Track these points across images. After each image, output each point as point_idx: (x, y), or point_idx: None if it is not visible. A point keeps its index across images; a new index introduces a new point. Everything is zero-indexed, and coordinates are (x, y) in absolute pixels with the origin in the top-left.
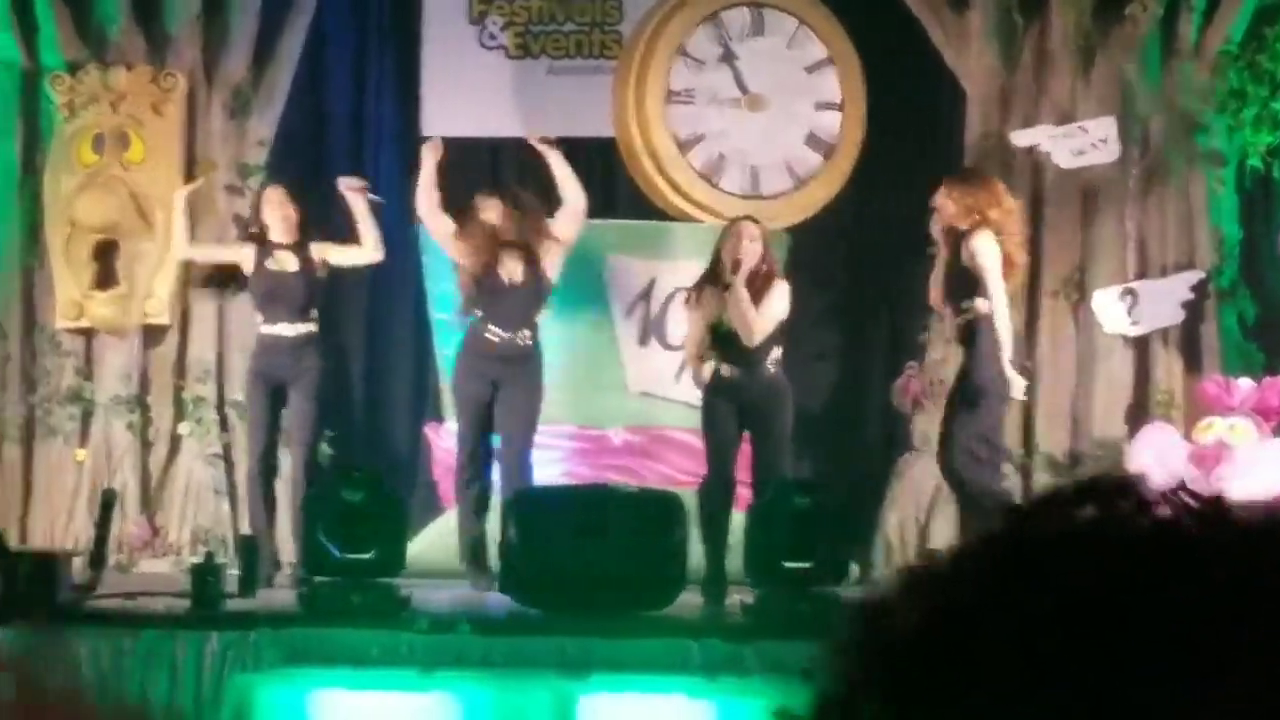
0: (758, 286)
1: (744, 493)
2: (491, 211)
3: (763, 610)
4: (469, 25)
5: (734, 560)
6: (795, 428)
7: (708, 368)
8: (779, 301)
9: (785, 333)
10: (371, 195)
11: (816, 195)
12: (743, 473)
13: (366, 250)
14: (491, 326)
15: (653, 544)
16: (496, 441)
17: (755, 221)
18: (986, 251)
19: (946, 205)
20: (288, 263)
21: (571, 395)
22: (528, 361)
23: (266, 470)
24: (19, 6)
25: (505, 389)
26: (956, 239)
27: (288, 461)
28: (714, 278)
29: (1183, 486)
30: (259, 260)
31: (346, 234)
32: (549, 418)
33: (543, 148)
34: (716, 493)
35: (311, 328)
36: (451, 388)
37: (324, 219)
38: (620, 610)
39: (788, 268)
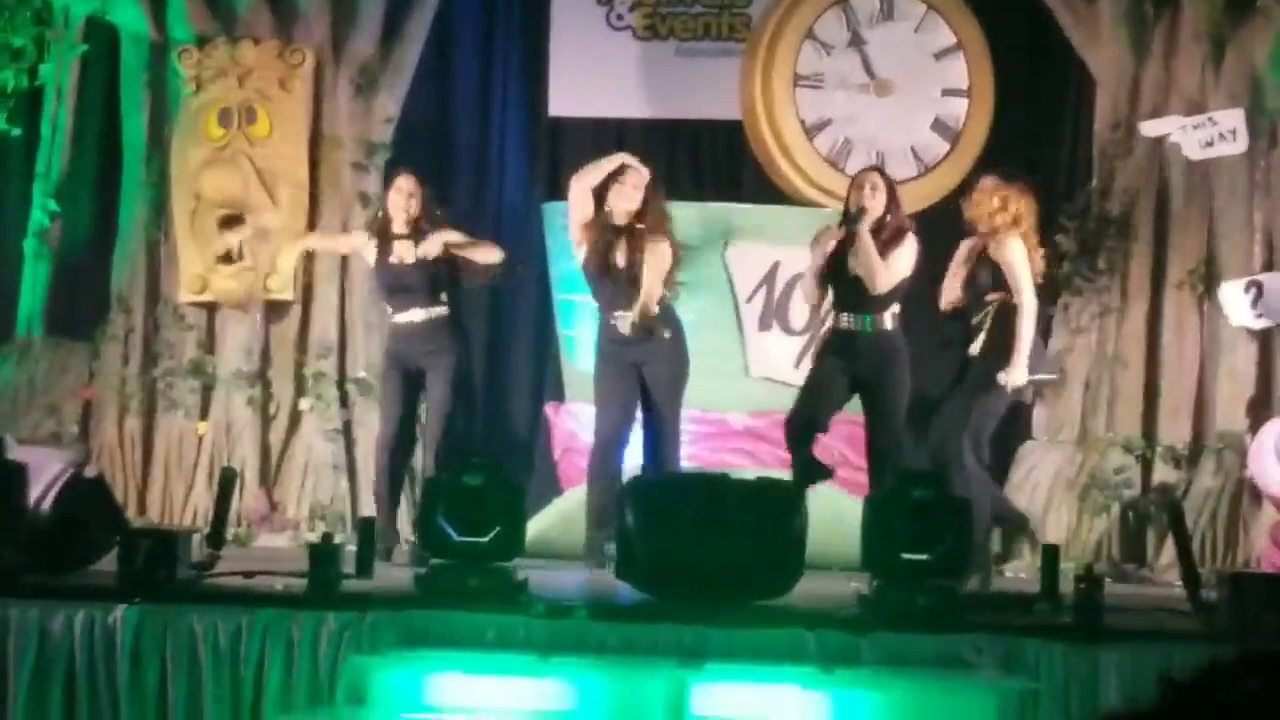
0: (885, 238)
1: (862, 479)
2: (615, 194)
3: (880, 601)
4: (597, 6)
5: (852, 549)
6: (915, 417)
7: (826, 319)
8: (906, 254)
9: (909, 291)
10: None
11: (942, 182)
12: (860, 458)
13: (489, 249)
14: (616, 313)
15: (770, 532)
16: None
17: (881, 172)
18: (1020, 251)
19: (986, 200)
20: (406, 254)
21: (693, 379)
22: (668, 341)
23: (397, 453)
24: None
25: (652, 366)
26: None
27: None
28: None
29: None
30: (381, 252)
31: (470, 221)
32: None
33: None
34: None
35: (443, 311)
36: (594, 378)
37: (449, 201)
38: (736, 598)
39: None
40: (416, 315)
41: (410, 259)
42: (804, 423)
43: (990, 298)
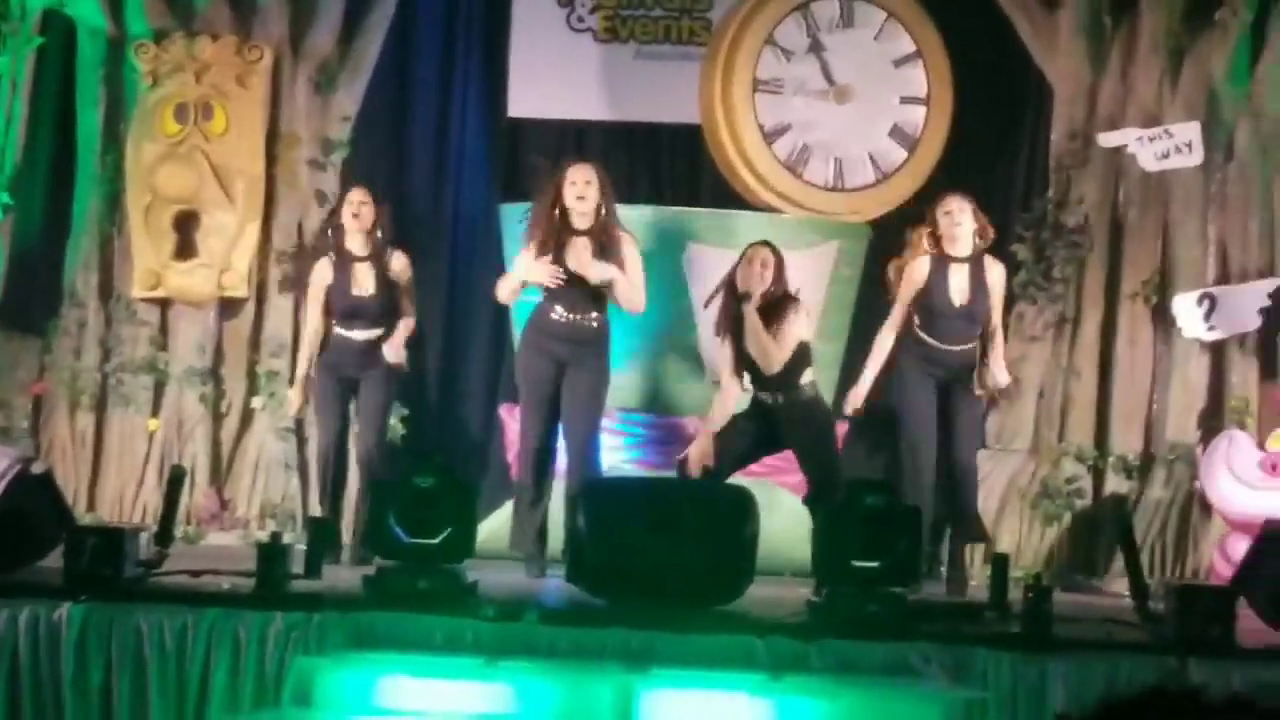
0: (773, 313)
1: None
2: (569, 191)
3: (829, 608)
4: (558, 7)
5: (803, 555)
6: (868, 425)
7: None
8: (795, 324)
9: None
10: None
11: (899, 189)
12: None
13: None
14: (557, 307)
15: (721, 537)
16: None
17: (768, 245)
18: (1001, 272)
19: (970, 218)
20: (366, 283)
21: (649, 383)
22: (595, 344)
23: (337, 457)
24: None
25: (571, 371)
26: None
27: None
28: (730, 305)
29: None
30: (340, 275)
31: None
32: (625, 404)
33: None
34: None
35: (382, 331)
36: (516, 369)
37: (407, 201)
38: (686, 603)
39: (867, 260)
40: (359, 335)
41: (371, 289)
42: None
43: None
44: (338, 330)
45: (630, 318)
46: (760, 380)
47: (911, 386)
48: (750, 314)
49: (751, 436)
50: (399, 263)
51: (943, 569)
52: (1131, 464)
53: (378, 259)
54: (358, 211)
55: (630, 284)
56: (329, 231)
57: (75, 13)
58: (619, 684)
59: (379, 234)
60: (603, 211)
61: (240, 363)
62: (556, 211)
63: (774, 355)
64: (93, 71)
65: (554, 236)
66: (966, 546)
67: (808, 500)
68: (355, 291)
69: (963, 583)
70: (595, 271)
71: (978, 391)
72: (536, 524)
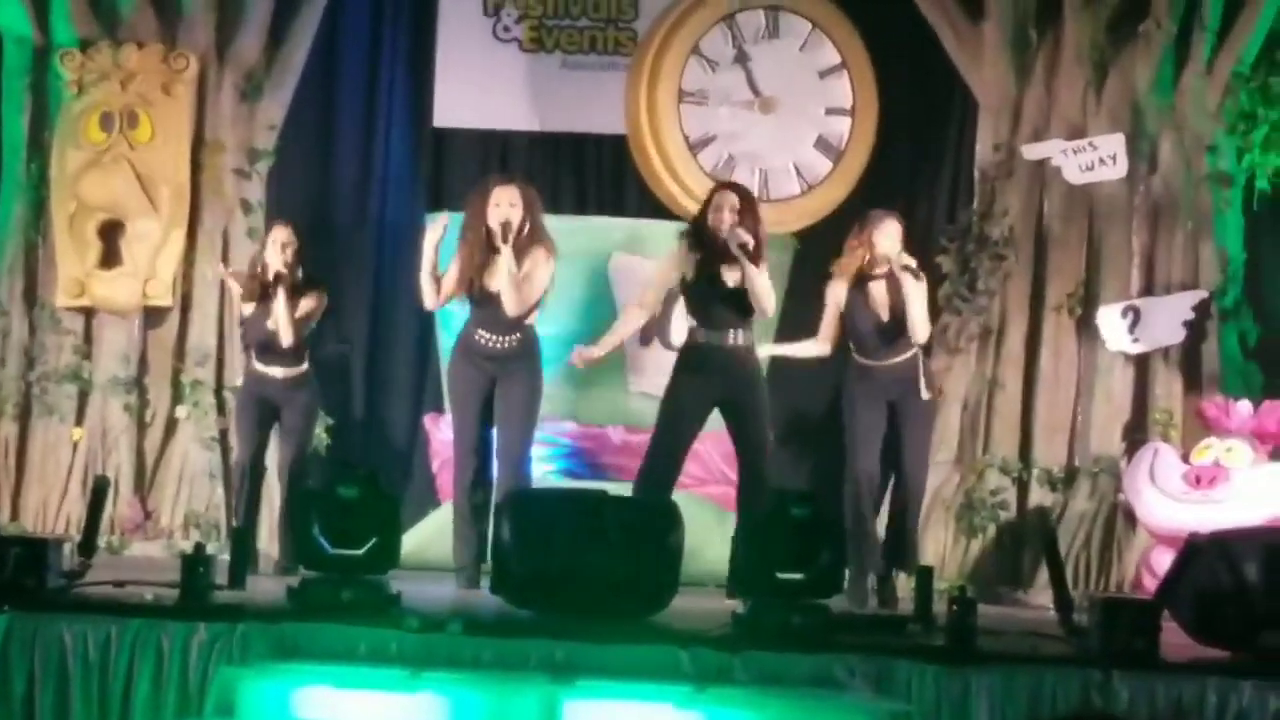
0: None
1: (731, 492)
2: (494, 211)
3: (754, 620)
4: (484, 17)
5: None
6: (793, 434)
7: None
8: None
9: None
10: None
11: (825, 200)
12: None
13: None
14: (480, 330)
15: (645, 548)
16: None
17: (738, 190)
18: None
19: (898, 241)
20: (281, 319)
21: (573, 393)
22: (522, 359)
23: (254, 468)
24: None
25: (502, 385)
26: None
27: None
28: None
29: None
30: (255, 310)
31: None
32: (550, 414)
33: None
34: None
35: (304, 369)
36: (447, 384)
37: (329, 218)
38: (611, 614)
39: (792, 272)
40: (278, 372)
41: (283, 321)
42: (664, 471)
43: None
44: (256, 365)
45: (555, 328)
46: (725, 317)
47: (860, 412)
48: (752, 265)
49: (703, 394)
50: (307, 303)
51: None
52: (1056, 476)
53: (294, 297)
54: (281, 250)
55: (514, 286)
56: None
57: (0, 21)
58: (544, 695)
59: (299, 271)
60: (525, 229)
61: (165, 372)
62: (482, 229)
63: (770, 300)
64: (18, 79)
65: (479, 253)
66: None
67: (741, 495)
68: (269, 325)
69: (894, 600)
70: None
71: (924, 395)
72: (475, 536)
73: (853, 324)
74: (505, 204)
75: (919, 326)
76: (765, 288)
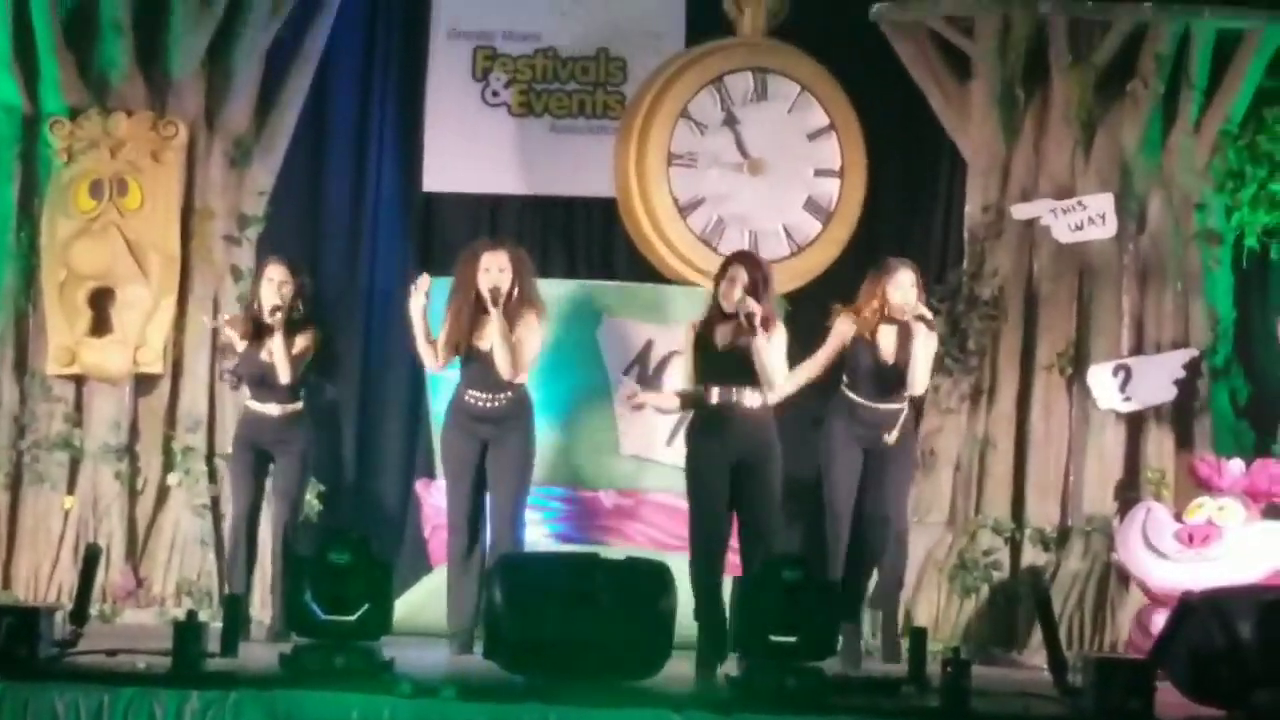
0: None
1: (733, 558)
2: (484, 277)
3: (748, 683)
4: (473, 82)
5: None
6: (786, 496)
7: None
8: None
9: None
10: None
11: (814, 261)
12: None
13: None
14: (471, 390)
15: (638, 612)
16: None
17: (750, 261)
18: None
19: (913, 290)
20: (277, 352)
21: (564, 456)
22: (515, 420)
23: (250, 530)
24: (21, 49)
25: (494, 448)
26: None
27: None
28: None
29: None
30: (252, 343)
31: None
32: (542, 479)
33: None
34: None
35: (299, 406)
36: (440, 451)
37: (319, 283)
38: (604, 679)
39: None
40: (273, 410)
41: (280, 358)
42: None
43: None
44: (250, 404)
45: (547, 392)
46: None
47: (838, 449)
48: (761, 335)
49: (721, 459)
50: (302, 340)
51: (866, 640)
52: (1048, 536)
53: (289, 334)
54: (278, 288)
55: (506, 349)
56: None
57: None
58: None
59: (299, 307)
60: (515, 293)
61: (156, 439)
62: (473, 293)
63: (781, 372)
64: (7, 148)
65: (468, 316)
66: (898, 611)
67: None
68: (264, 357)
69: (896, 649)
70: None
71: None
72: (470, 601)
73: (854, 361)
74: (495, 269)
75: (919, 378)
76: (773, 360)
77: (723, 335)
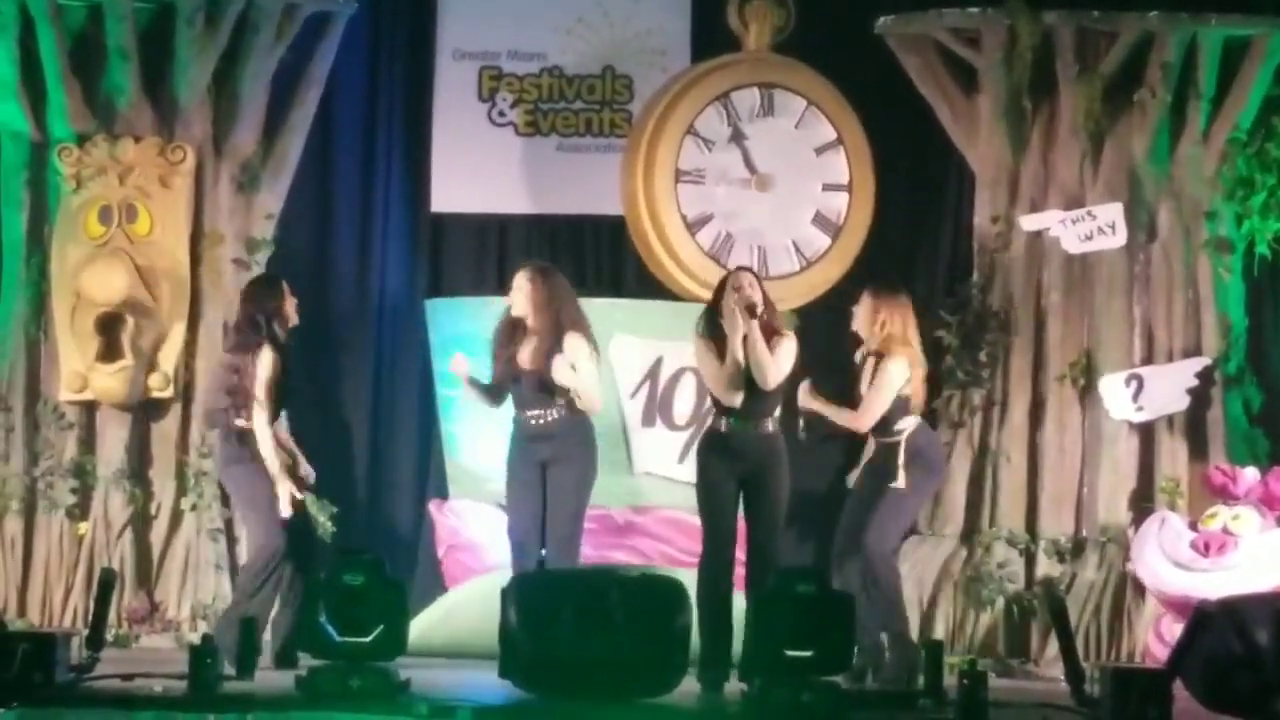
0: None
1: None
2: (518, 295)
3: (763, 699)
4: (479, 102)
5: (736, 646)
6: (800, 511)
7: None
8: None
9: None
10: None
11: (824, 276)
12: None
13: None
14: (525, 411)
15: (654, 629)
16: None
17: (754, 272)
18: (893, 375)
19: (868, 318)
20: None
21: None
22: (572, 439)
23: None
24: (28, 76)
25: (552, 468)
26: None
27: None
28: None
29: None
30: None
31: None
32: None
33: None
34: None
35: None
36: (506, 475)
37: (328, 304)
38: (620, 696)
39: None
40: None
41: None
42: (715, 559)
43: (900, 426)
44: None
45: None
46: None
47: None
48: (754, 328)
49: (730, 476)
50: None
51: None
52: (1063, 547)
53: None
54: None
55: (584, 388)
56: (266, 320)
57: None
58: None
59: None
60: (547, 310)
61: (168, 464)
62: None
63: (771, 371)
64: (16, 175)
65: (508, 338)
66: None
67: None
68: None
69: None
70: (556, 374)
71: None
72: None
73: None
74: (514, 288)
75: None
76: (767, 356)
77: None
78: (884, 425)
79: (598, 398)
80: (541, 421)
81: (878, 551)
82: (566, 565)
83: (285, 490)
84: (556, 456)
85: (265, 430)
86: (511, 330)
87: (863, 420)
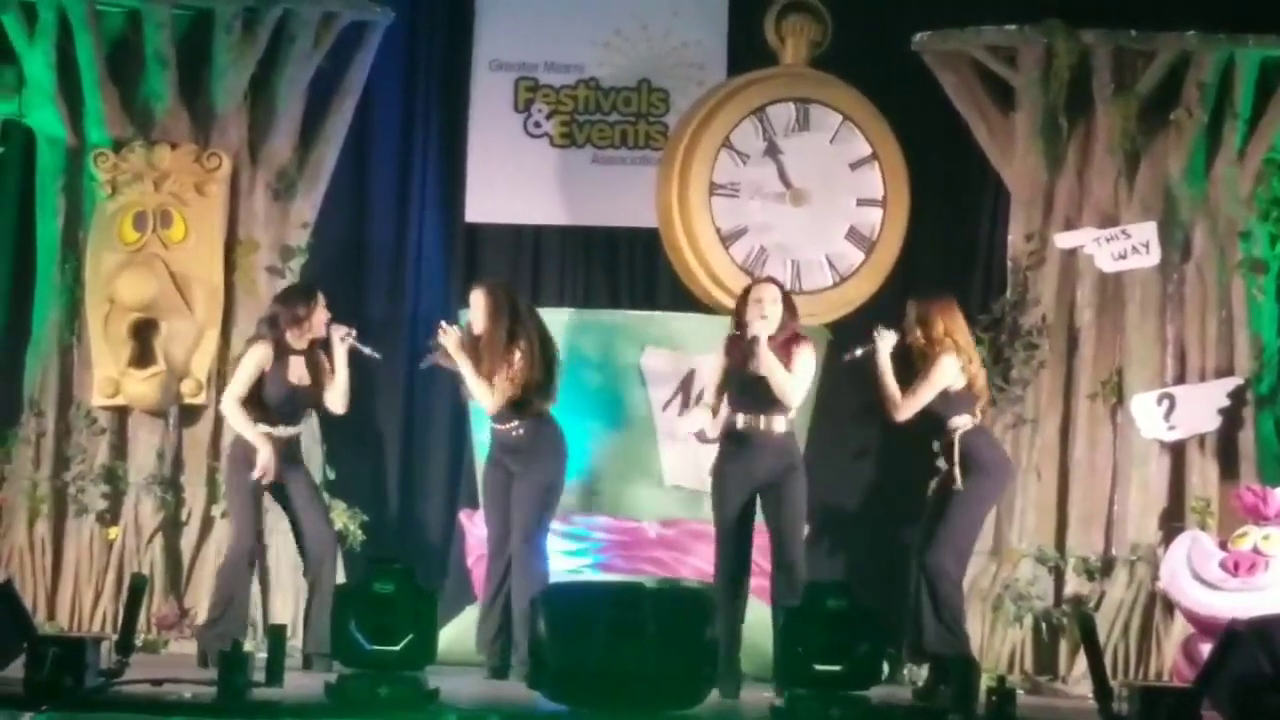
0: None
1: (763, 584)
2: (475, 311)
3: (793, 712)
4: (515, 113)
5: (766, 658)
6: (830, 525)
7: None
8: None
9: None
10: (367, 349)
11: (857, 291)
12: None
13: (334, 398)
14: (493, 424)
15: (683, 641)
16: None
17: (779, 284)
18: (944, 371)
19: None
20: (303, 374)
21: (607, 486)
22: (537, 450)
23: (252, 556)
24: (65, 82)
25: (517, 480)
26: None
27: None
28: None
29: None
30: (280, 365)
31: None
32: (584, 509)
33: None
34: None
35: (300, 429)
36: (480, 486)
37: (363, 313)
38: (648, 708)
39: (827, 363)
40: (285, 432)
41: (308, 380)
42: (729, 563)
43: (954, 424)
44: (266, 430)
45: (590, 422)
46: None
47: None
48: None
49: (746, 482)
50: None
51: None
52: (1093, 565)
53: (311, 354)
54: (323, 320)
55: (479, 393)
56: (279, 322)
57: (34, 123)
58: None
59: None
60: (496, 325)
61: (200, 470)
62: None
63: (791, 387)
64: (52, 181)
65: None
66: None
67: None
68: (293, 380)
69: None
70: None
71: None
72: (489, 629)
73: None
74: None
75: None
76: (784, 377)
77: (748, 361)
78: (939, 422)
79: (489, 401)
80: (512, 435)
81: (936, 566)
82: (524, 579)
83: (265, 453)
84: (524, 467)
85: (232, 406)
86: (474, 346)
87: (903, 408)
